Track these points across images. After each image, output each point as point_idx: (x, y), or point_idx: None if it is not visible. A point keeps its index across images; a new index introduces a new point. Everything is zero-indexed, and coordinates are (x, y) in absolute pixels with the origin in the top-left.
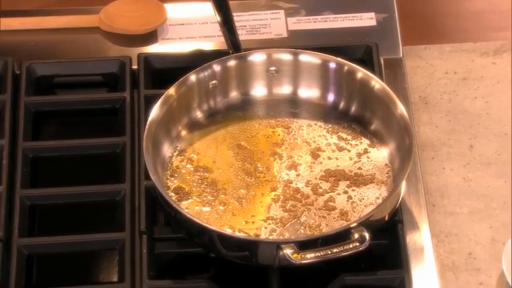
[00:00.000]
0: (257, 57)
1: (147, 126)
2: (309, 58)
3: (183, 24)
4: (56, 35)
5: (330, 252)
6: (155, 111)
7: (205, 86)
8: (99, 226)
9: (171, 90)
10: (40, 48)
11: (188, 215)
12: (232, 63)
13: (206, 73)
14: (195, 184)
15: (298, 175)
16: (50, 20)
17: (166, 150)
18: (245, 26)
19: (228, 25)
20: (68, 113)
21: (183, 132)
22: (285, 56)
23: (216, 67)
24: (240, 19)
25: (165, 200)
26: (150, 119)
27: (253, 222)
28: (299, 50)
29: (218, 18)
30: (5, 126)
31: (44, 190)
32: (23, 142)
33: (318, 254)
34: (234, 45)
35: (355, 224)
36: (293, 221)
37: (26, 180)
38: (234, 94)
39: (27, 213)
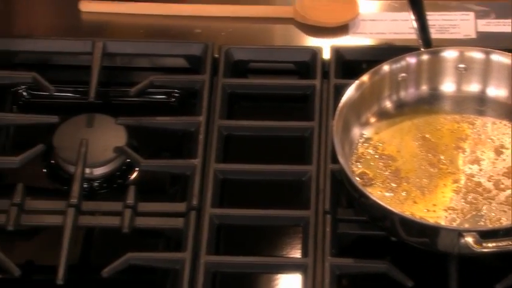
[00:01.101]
0: (449, 54)
1: (339, 108)
2: (499, 58)
3: (374, 20)
4: (252, 23)
5: (511, 243)
6: (348, 95)
7: (395, 78)
8: (283, 203)
9: (365, 77)
10: (238, 35)
11: (374, 199)
12: (424, 57)
13: (399, 65)
14: (378, 171)
15: (480, 170)
16: (248, 9)
17: (354, 135)
18: (435, 25)
19: (421, 22)
20: (259, 96)
21: (372, 120)
22: (476, 55)
23: (410, 59)
24: (431, 18)
25: (352, 183)
26: (342, 101)
27: (434, 211)
28: (490, 49)
29: (412, 16)
30: (203, 104)
31: (236, 166)
32: (219, 120)
33: (499, 244)
34: (425, 42)
35: None
36: (474, 213)
37: (219, 155)
38: (423, 88)
39: (219, 186)
